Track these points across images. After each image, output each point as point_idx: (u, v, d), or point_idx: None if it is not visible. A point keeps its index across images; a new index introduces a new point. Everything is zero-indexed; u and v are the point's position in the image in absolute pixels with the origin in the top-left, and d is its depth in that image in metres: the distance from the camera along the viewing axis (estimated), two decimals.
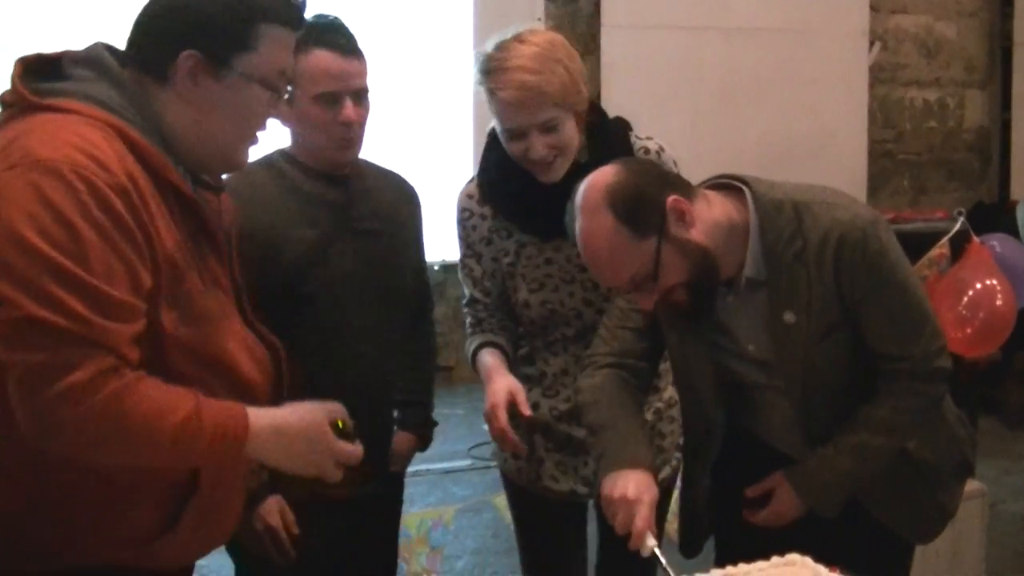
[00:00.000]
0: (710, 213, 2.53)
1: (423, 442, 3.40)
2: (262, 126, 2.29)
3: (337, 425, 2.27)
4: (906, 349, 2.60)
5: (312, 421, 2.23)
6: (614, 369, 2.80)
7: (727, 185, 2.63)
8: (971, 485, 4.67)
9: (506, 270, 3.10)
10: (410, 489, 6.53)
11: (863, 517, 2.72)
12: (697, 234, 2.50)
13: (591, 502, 3.27)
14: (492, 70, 2.84)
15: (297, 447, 2.20)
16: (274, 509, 2.87)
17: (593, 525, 3.25)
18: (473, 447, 7.30)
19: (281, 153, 3.04)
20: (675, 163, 3.13)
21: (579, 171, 2.83)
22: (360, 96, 2.95)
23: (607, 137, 3.09)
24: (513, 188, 3.02)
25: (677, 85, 7.46)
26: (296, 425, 2.20)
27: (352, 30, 2.97)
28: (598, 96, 7.35)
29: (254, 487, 2.80)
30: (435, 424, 3.44)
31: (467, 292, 3.21)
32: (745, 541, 2.58)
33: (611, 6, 7.31)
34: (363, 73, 2.96)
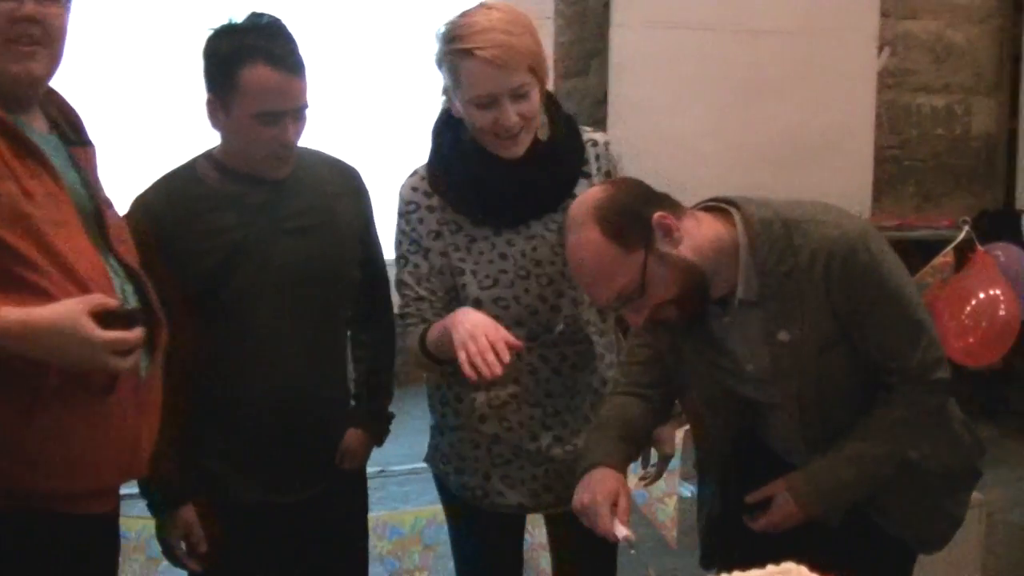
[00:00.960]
0: (699, 231, 2.55)
1: (376, 437, 3.37)
2: None
3: (111, 313, 2.27)
4: (903, 360, 2.61)
5: (64, 312, 2.25)
6: (628, 396, 2.91)
7: (716, 207, 2.63)
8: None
9: (455, 266, 3.00)
10: (406, 487, 6.59)
11: (867, 525, 2.72)
12: (685, 250, 2.52)
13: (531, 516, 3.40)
14: (465, 34, 2.81)
15: (51, 340, 2.24)
16: (186, 520, 2.96)
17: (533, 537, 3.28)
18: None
19: (206, 157, 3.05)
20: (619, 158, 3.14)
21: (539, 149, 2.92)
22: (299, 113, 2.93)
23: (563, 119, 3.06)
24: (469, 172, 2.96)
25: (685, 87, 7.42)
26: (47, 318, 2.24)
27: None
28: (605, 96, 7.33)
29: (175, 486, 2.93)
30: (391, 417, 3.42)
31: (411, 292, 3.03)
32: (745, 546, 2.57)
33: (621, 5, 7.27)
34: (304, 90, 2.93)
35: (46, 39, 2.46)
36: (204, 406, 2.97)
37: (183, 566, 3.06)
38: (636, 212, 2.54)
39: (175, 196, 2.95)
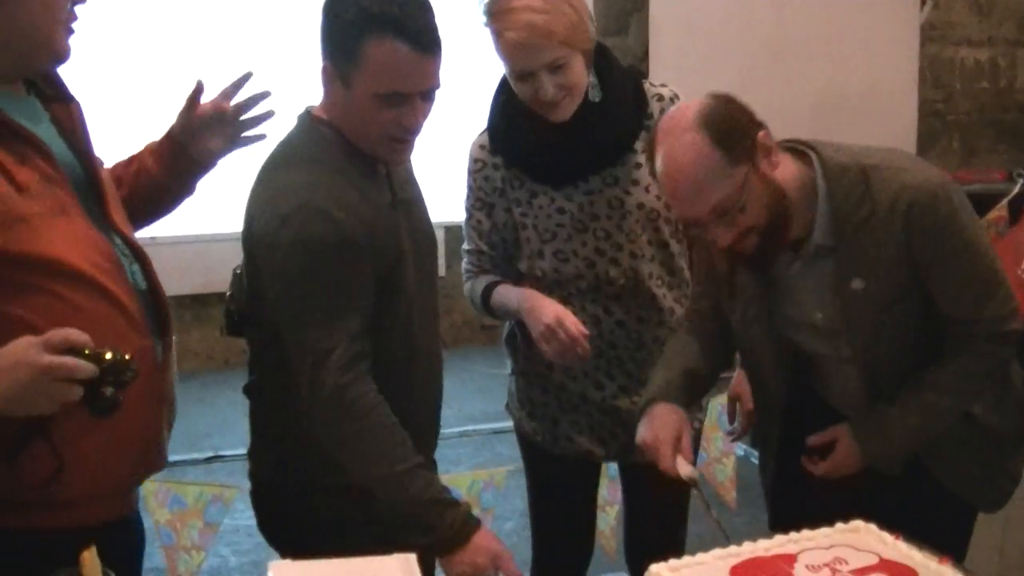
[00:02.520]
0: (782, 169, 2.49)
1: None
2: None
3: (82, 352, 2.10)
4: (977, 312, 2.57)
5: (19, 343, 2.10)
6: (693, 337, 2.87)
7: (793, 148, 2.59)
8: None
9: (518, 220, 3.07)
10: (458, 450, 6.62)
11: (927, 481, 2.69)
12: (779, 177, 2.46)
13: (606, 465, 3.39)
14: (498, 12, 2.81)
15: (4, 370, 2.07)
16: (491, 536, 2.61)
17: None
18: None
19: (320, 122, 2.63)
20: None
21: (590, 111, 2.92)
22: (429, 95, 2.57)
23: (618, 77, 3.05)
24: (521, 134, 3.00)
25: (726, 43, 7.37)
26: (4, 351, 2.10)
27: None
28: (646, 54, 7.29)
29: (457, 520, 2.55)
30: None
31: (471, 245, 3.17)
32: (809, 505, 2.53)
33: None
34: (437, 70, 2.54)
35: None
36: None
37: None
38: (744, 125, 2.45)
39: (342, 199, 2.52)
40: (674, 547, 2.44)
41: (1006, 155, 8.70)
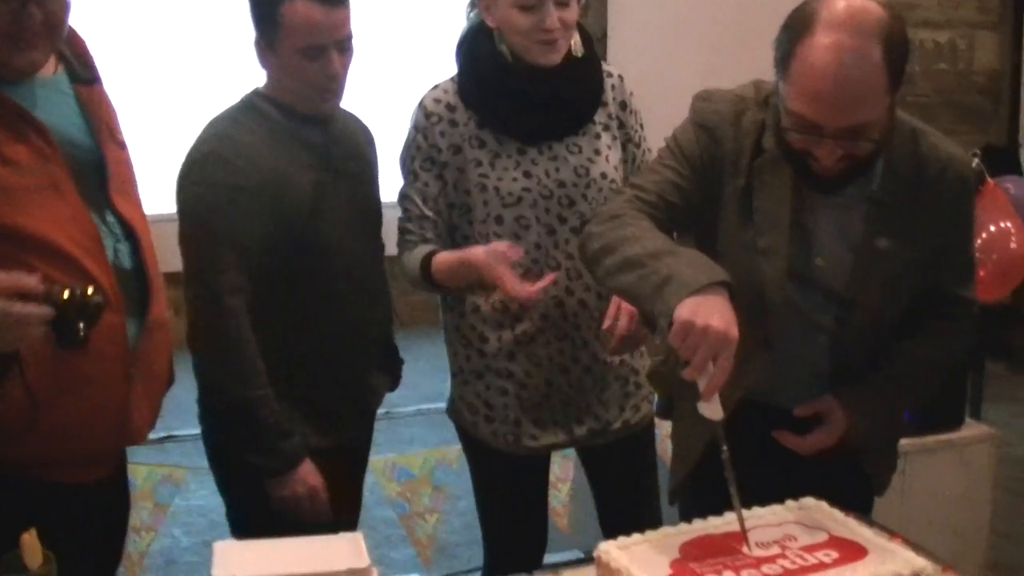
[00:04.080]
0: None
1: (394, 381, 3.36)
2: None
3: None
4: (966, 290, 2.59)
5: None
6: (638, 209, 2.49)
7: None
8: (980, 428, 4.68)
9: (476, 181, 2.98)
10: (412, 429, 6.58)
11: (843, 463, 2.63)
12: None
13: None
14: None
15: None
16: (313, 471, 2.89)
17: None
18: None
19: (258, 95, 2.98)
20: (631, 94, 3.15)
21: (574, 64, 2.96)
22: (344, 45, 2.89)
23: (590, 42, 3.11)
24: (503, 83, 2.98)
25: (688, 24, 7.35)
26: None
27: None
28: (604, 35, 7.25)
29: (288, 451, 2.86)
30: (402, 363, 3.38)
31: (414, 210, 3.02)
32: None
33: None
34: (348, 20, 2.89)
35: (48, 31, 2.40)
36: (278, 351, 2.93)
37: (322, 517, 2.89)
38: (907, 54, 2.33)
39: (247, 151, 2.86)
40: (652, 525, 2.37)
41: (966, 137, 8.70)
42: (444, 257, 2.91)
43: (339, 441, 3.02)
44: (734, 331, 2.13)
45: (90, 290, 2.20)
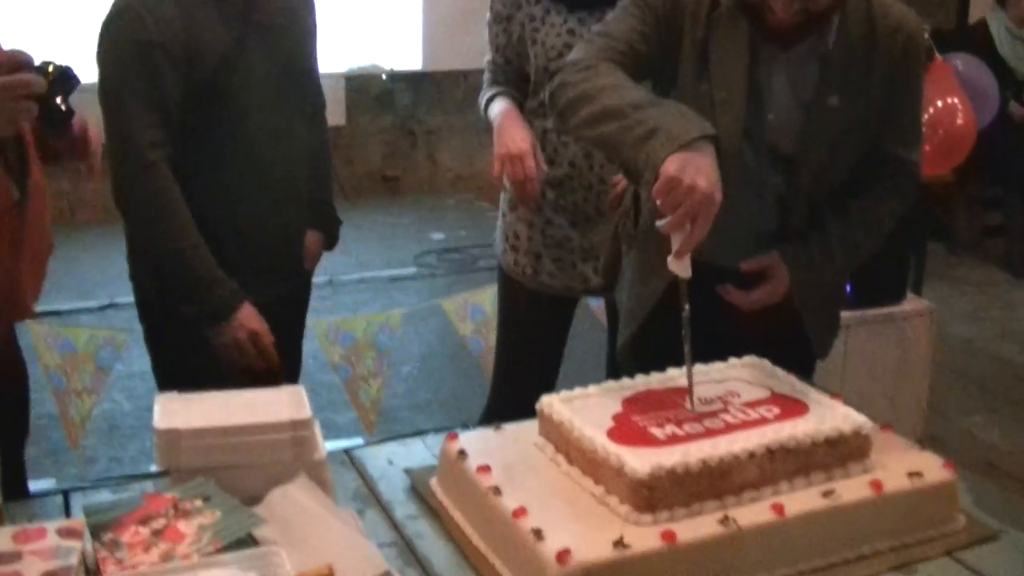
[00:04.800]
0: None
1: (331, 240, 3.32)
2: None
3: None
4: (910, 151, 2.60)
5: None
6: (610, 59, 2.45)
7: None
8: (920, 303, 4.74)
9: (528, 35, 3.22)
10: (354, 296, 6.61)
11: (788, 325, 2.65)
12: None
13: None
14: None
15: None
16: (253, 315, 2.85)
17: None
18: (419, 255, 7.28)
19: None
20: None
21: None
22: None
23: None
24: None
25: None
26: None
27: None
28: None
29: (225, 297, 2.81)
30: (340, 222, 3.35)
31: (490, 55, 3.37)
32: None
33: None
34: None
35: None
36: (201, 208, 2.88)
37: (267, 360, 2.87)
38: None
39: (157, 7, 2.75)
40: None
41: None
42: (494, 108, 3.27)
43: (267, 298, 2.95)
44: (719, 194, 2.10)
45: (63, 64, 2.13)
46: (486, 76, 3.42)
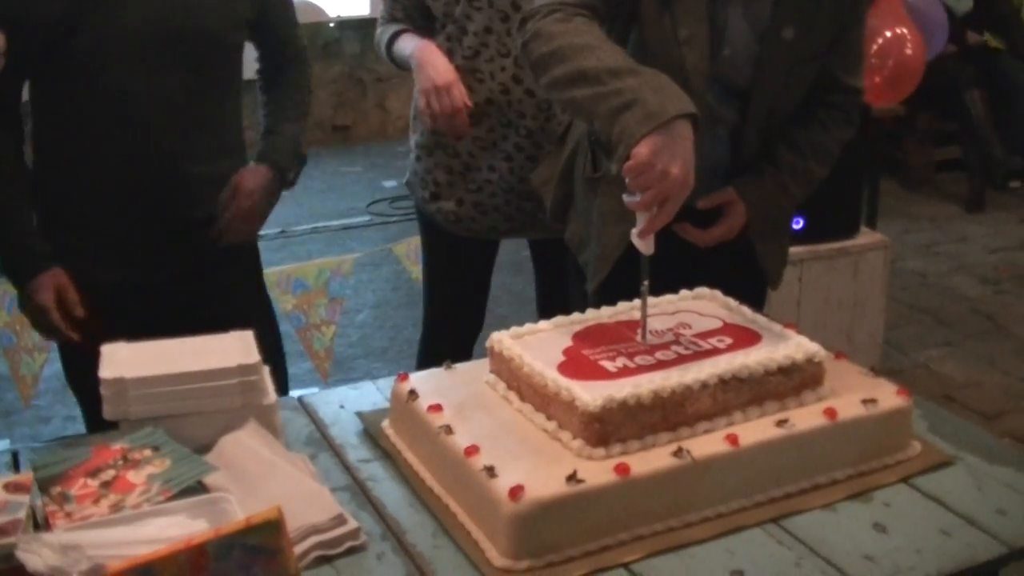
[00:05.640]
0: None
1: (281, 175, 2.94)
2: None
3: None
4: (856, 80, 2.61)
5: None
6: (581, 3, 2.37)
7: None
8: (874, 237, 4.76)
9: None
10: (309, 246, 6.57)
11: (742, 255, 2.64)
12: None
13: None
14: None
15: None
16: (57, 282, 2.67)
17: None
18: (371, 203, 7.25)
19: None
20: None
21: None
22: None
23: None
24: None
25: None
26: None
27: None
28: None
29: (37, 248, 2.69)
30: (301, 160, 3.06)
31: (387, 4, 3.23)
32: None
33: None
34: None
35: None
36: (60, 174, 2.75)
37: (59, 336, 2.73)
38: None
39: None
40: None
41: None
42: (403, 43, 3.11)
43: (165, 274, 2.81)
44: (691, 179, 2.06)
45: None
46: (383, 14, 3.25)
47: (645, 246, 2.09)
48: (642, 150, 2.03)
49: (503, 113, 3.07)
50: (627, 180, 2.07)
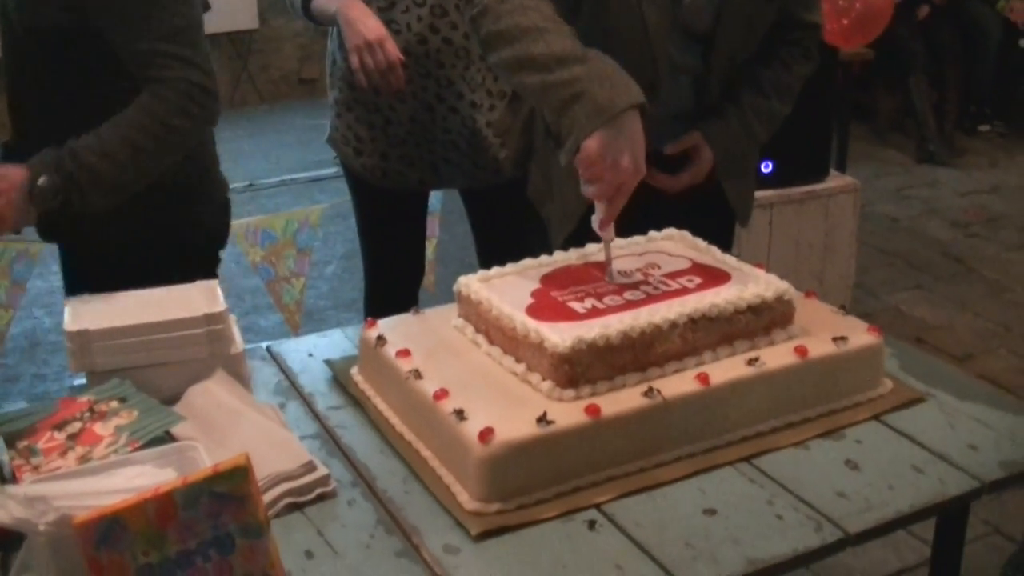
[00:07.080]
0: None
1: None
2: None
3: None
4: (815, 14, 2.61)
5: None
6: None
7: None
8: (844, 180, 4.75)
9: None
10: (277, 199, 6.55)
11: (713, 195, 2.64)
12: None
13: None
14: None
15: None
16: None
17: None
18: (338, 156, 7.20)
19: None
20: None
21: None
22: None
23: None
24: None
25: None
26: None
27: None
28: None
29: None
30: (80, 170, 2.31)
31: None
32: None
33: None
34: None
35: None
36: None
37: None
38: None
39: None
40: None
41: None
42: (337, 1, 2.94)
43: None
44: (642, 167, 2.06)
45: None
46: None
47: (607, 234, 2.11)
48: (591, 144, 2.05)
49: (421, 64, 2.97)
50: (579, 171, 2.08)
